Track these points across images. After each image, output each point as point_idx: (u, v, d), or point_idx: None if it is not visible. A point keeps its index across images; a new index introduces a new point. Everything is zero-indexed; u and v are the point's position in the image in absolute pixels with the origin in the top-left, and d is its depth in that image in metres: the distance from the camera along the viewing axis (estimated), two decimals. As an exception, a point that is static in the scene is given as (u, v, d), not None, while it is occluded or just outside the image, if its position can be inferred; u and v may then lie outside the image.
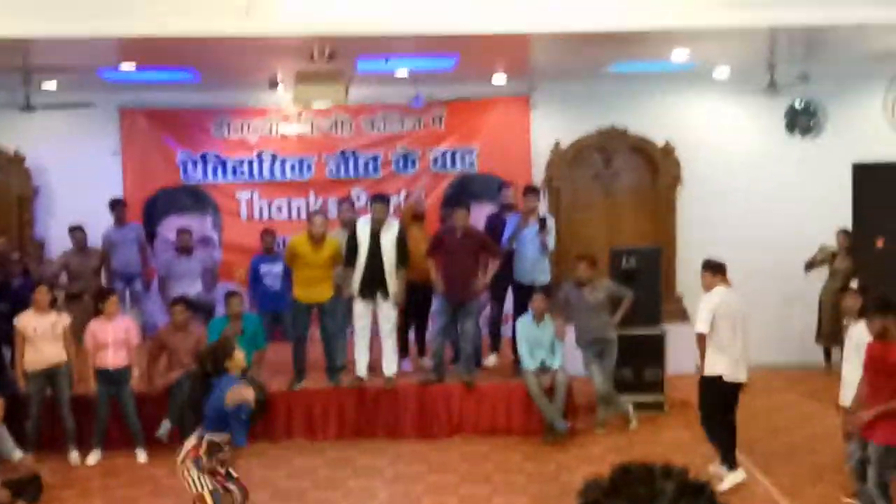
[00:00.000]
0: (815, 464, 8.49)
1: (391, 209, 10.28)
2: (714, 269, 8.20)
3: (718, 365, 7.99)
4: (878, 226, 10.62)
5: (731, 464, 8.07)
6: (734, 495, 7.70)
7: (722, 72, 10.97)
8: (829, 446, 8.57)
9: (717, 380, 8.00)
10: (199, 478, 6.19)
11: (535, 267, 10.10)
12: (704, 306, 8.09)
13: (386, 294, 9.49)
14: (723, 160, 11.89)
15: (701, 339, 8.03)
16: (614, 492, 1.42)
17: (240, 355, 6.42)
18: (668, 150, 11.89)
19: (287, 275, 10.14)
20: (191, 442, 6.30)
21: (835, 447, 8.22)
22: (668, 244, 11.61)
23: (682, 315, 11.21)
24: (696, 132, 11.93)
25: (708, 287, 8.17)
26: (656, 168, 11.98)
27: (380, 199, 9.81)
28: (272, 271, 10.42)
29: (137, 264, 11.47)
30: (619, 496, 1.40)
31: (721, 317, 8.00)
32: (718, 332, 7.97)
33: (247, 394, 6.26)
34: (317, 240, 9.60)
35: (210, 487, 6.20)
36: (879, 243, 10.52)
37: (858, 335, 7.07)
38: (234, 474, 6.46)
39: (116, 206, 11.40)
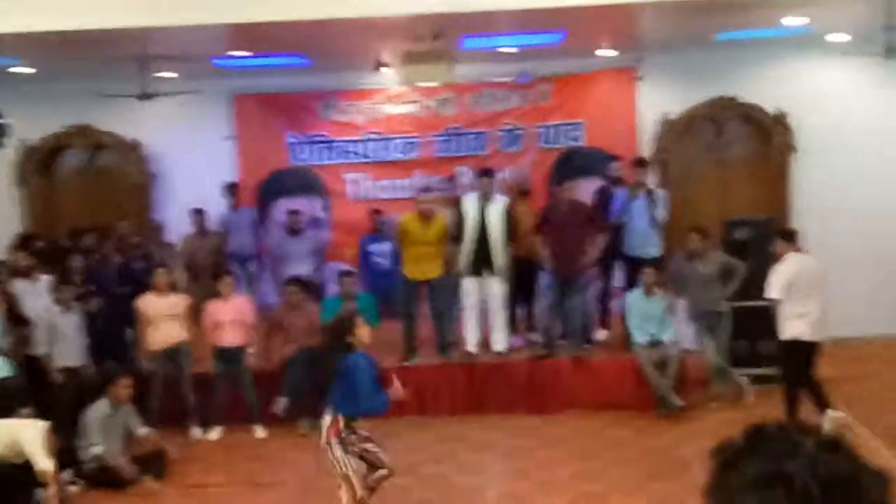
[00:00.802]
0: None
1: (497, 185, 10.29)
2: (786, 237, 8.59)
3: (797, 328, 8.26)
4: None
5: (825, 406, 8.28)
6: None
7: (837, 36, 10.60)
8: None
9: (797, 342, 8.29)
10: (343, 457, 6.23)
11: (644, 240, 9.98)
12: (778, 273, 8.34)
13: (494, 269, 9.51)
14: (838, 127, 11.51)
15: (776, 304, 8.31)
16: (752, 449, 1.39)
17: (364, 331, 6.44)
18: (780, 118, 11.59)
19: (396, 253, 10.26)
20: (327, 421, 6.33)
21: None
22: (781, 214, 11.32)
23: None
24: (811, 99, 11.57)
25: (781, 254, 8.45)
26: (769, 137, 11.70)
27: (486, 174, 9.83)
28: (381, 250, 10.57)
29: (251, 246, 11.74)
30: (759, 452, 1.37)
31: (797, 282, 8.25)
32: (795, 297, 8.22)
33: (401, 393, 6.38)
34: (426, 217, 9.68)
35: (353, 467, 6.26)
36: None
37: None
38: (369, 439, 6.48)
39: (231, 189, 11.69)
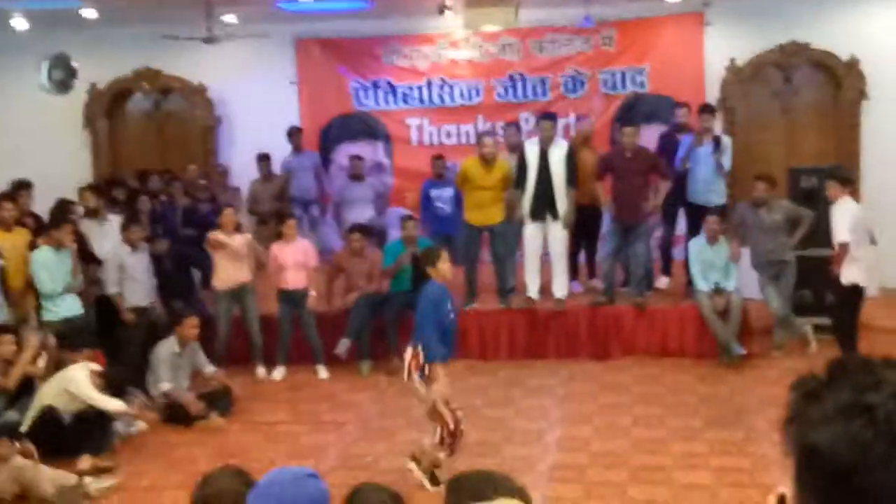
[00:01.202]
0: None
1: (560, 130, 10.22)
2: (843, 181, 8.54)
3: (854, 273, 8.31)
4: None
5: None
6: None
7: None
8: None
9: (854, 287, 8.34)
10: (427, 391, 6.29)
11: (708, 187, 9.87)
12: (841, 217, 8.31)
13: (556, 215, 9.48)
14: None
15: (843, 249, 8.28)
16: (835, 382, 1.38)
17: (445, 266, 6.42)
18: (852, 65, 11.29)
19: (458, 199, 10.26)
20: (409, 354, 6.38)
21: None
22: (851, 162, 11.08)
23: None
24: (883, 45, 11.23)
25: (834, 198, 8.43)
26: (839, 84, 11.42)
27: (547, 118, 9.75)
28: (443, 195, 10.56)
29: (314, 190, 11.82)
30: (840, 385, 1.36)
31: (854, 227, 8.27)
32: (853, 242, 8.27)
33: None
34: (488, 161, 9.65)
35: (442, 398, 6.30)
36: None
37: None
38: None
39: (294, 134, 11.76)
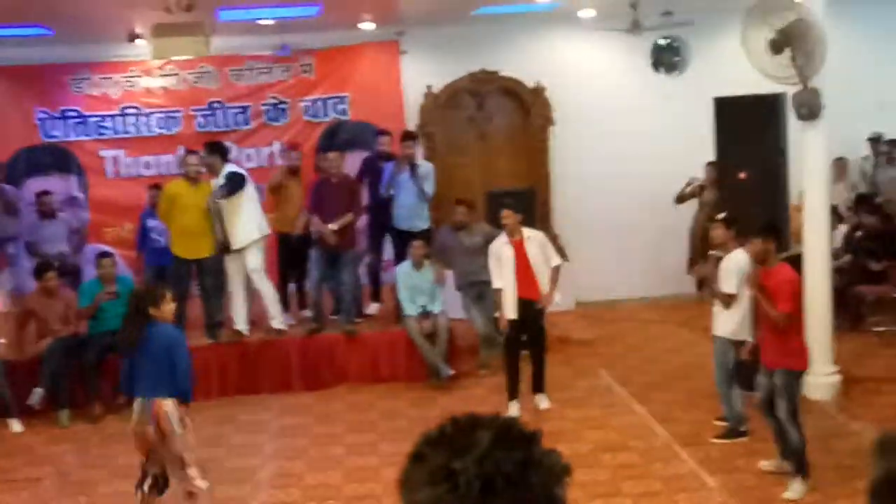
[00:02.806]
0: (688, 390, 8.77)
1: (264, 159, 10.14)
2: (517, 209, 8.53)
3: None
4: (739, 157, 10.87)
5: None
6: (616, 426, 7.92)
7: (586, 11, 11.07)
8: (701, 373, 8.85)
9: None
10: (177, 431, 6.00)
11: (412, 213, 10.10)
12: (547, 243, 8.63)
13: (238, 247, 9.35)
14: (592, 99, 11.99)
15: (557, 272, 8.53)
16: (436, 443, 1.43)
17: (168, 306, 6.07)
18: (538, 91, 11.97)
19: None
20: (169, 405, 5.99)
21: (707, 374, 8.51)
22: (542, 184, 11.74)
23: (560, 254, 11.34)
24: (565, 72, 12.01)
25: (515, 226, 8.37)
26: (528, 109, 12.06)
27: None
28: (159, 226, 10.12)
29: (4, 228, 10.96)
30: (439, 447, 1.42)
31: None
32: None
33: None
34: (193, 180, 9.40)
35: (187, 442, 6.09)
36: (742, 176, 10.76)
37: (733, 264, 7.21)
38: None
39: (-23, 169, 10.89)
